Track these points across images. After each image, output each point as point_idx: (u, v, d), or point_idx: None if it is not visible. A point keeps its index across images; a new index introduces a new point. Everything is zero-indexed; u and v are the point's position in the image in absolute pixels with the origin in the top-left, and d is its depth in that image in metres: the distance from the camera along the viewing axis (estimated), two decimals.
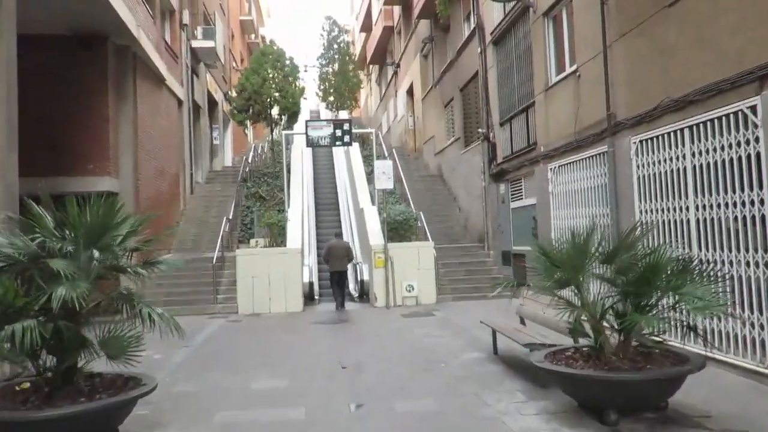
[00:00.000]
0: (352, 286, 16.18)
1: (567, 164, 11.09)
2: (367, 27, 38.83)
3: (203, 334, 10.99)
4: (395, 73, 31.83)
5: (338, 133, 16.16)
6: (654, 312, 5.17)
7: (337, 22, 36.45)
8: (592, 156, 10.03)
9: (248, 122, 21.53)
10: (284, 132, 15.93)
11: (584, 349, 5.84)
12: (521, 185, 13.79)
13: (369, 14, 36.78)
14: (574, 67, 10.63)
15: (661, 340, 5.36)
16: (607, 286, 5.58)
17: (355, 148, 20.59)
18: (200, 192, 20.37)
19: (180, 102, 18.71)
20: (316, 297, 15.05)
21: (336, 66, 36.38)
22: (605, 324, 5.47)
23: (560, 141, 11.21)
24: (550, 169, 11.77)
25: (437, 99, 21.94)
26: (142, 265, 5.33)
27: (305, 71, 33.98)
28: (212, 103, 25.23)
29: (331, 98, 35.41)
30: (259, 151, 26.19)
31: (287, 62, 20.98)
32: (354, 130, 16.75)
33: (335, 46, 35.69)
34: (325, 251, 13.95)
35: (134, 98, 14.19)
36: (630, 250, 5.39)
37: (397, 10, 30.48)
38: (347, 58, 35.04)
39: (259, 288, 13.62)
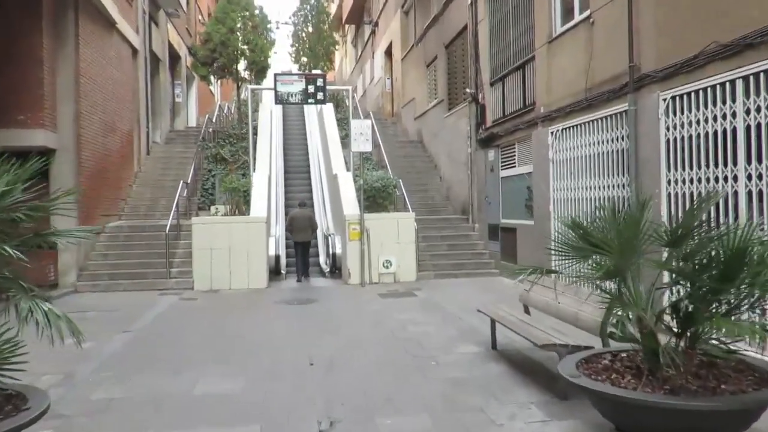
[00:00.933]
0: (323, 259, 14.76)
1: (573, 126, 9.72)
2: None
3: (149, 315, 9.46)
4: (373, 32, 30.01)
5: (311, 89, 14.50)
6: (737, 313, 3.83)
7: None
8: (607, 116, 8.65)
9: (213, 77, 19.55)
10: (251, 87, 14.11)
11: (623, 354, 4.52)
12: (514, 152, 12.40)
13: None
14: (586, 13, 9.17)
15: (735, 349, 4.04)
16: (662, 277, 4.24)
17: (329, 109, 18.96)
18: (158, 153, 18.56)
19: (135, 51, 16.77)
20: (283, 271, 13.58)
21: (310, 26, 34.34)
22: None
23: (565, 100, 9.81)
24: (552, 132, 10.38)
25: (419, 59, 20.34)
26: (19, 241, 3.66)
27: (277, 28, 31.84)
28: (174, 57, 23.19)
29: (304, 59, 33.43)
30: (225, 111, 24.32)
31: (257, 12, 19.02)
32: (328, 87, 15.10)
33: (311, 1, 33.53)
34: (288, 221, 13.45)
35: (76, 40, 12.31)
36: (699, 229, 4.03)
37: None
38: (323, 15, 32.97)
39: (219, 261, 12.09)
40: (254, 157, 15.42)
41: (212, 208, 15.02)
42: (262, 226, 12.41)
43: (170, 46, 21.74)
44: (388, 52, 26.30)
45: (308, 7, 34.37)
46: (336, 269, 13.53)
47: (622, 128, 8.20)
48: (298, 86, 14.49)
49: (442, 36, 17.26)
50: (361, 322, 8.78)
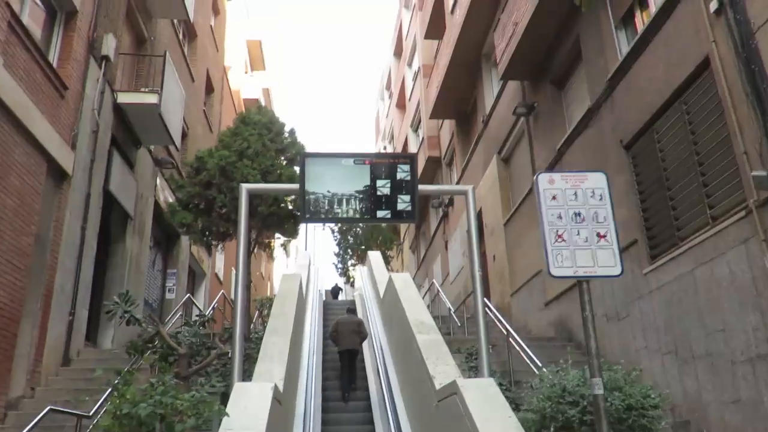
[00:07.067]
0: None
1: None
2: None
3: None
4: (445, 215, 22.86)
5: (383, 187, 6.29)
6: None
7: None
8: None
9: (205, 236, 11.39)
10: (245, 187, 6.07)
11: None
12: None
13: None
14: None
15: None
16: None
17: (404, 279, 10.57)
18: (88, 362, 9.92)
19: (59, 172, 9.27)
20: None
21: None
22: None
23: None
24: None
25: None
26: None
27: (323, 229, 25.02)
28: (168, 234, 15.82)
29: (351, 261, 26.02)
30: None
31: (286, 134, 11.73)
32: (422, 188, 6.77)
33: None
34: (332, 328, 10.31)
35: None
36: None
37: (448, 128, 22.49)
38: None
39: None
40: (237, 354, 6.67)
41: None
42: None
43: (158, 209, 14.46)
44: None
45: None
46: None
47: None
48: (355, 181, 6.31)
49: (615, 131, 9.41)
50: None
